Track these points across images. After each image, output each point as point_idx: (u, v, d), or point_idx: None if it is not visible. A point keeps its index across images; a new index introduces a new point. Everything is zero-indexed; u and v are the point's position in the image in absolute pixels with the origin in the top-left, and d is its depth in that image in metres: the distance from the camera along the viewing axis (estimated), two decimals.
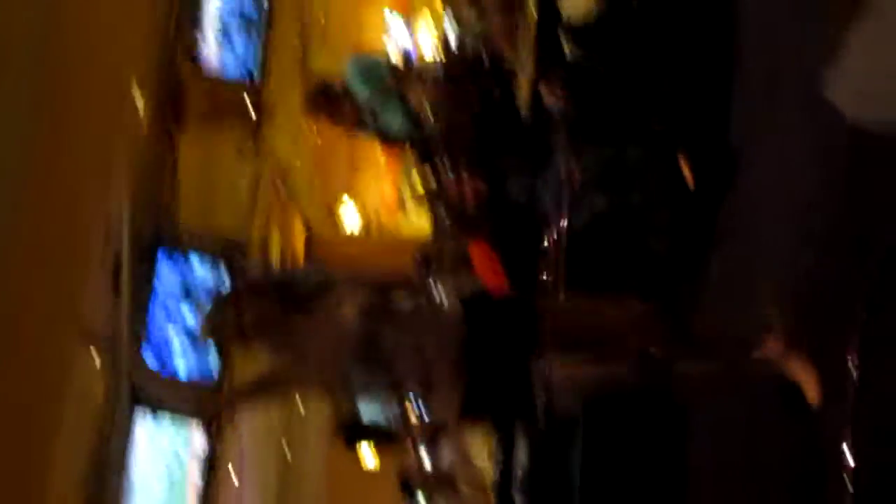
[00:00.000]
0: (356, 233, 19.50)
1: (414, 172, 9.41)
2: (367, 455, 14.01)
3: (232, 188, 14.51)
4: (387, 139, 8.75)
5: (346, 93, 8.33)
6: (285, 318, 4.62)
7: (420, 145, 8.67)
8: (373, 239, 20.22)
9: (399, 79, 8.38)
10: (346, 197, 18.49)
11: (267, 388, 4.87)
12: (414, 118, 8.29)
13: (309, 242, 15.10)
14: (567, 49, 7.55)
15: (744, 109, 6.27)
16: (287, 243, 15.02)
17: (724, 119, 6.46)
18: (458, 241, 7.79)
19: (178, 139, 12.99)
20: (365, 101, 8.27)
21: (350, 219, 19.19)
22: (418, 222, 12.26)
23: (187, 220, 12.96)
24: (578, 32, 7.50)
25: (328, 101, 8.34)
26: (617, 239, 6.85)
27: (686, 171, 6.50)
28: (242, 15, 13.64)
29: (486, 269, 7.33)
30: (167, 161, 13.01)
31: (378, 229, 21.56)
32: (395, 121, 8.37)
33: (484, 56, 9.29)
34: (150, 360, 12.31)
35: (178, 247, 12.78)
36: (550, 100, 7.53)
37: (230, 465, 13.60)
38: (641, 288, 6.89)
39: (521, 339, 4.61)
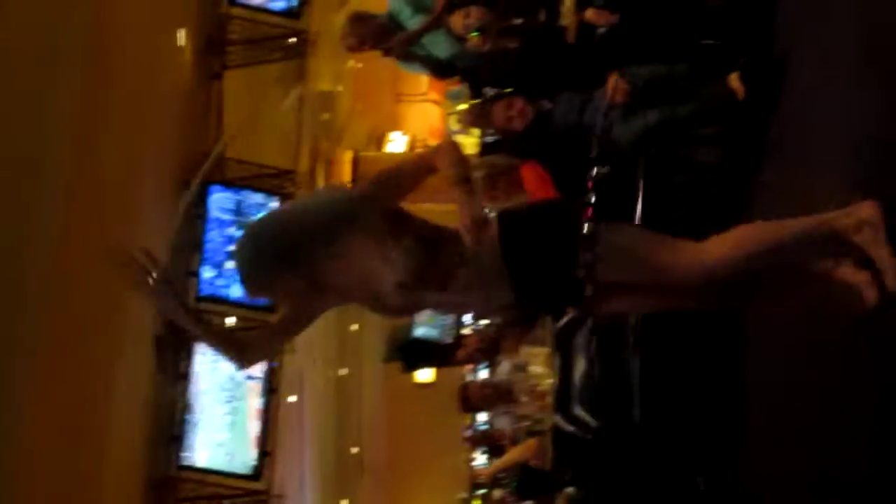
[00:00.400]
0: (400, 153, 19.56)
1: (459, 97, 9.32)
2: (423, 371, 14.13)
3: (277, 118, 14.58)
4: (434, 68, 8.74)
5: (392, 23, 8.36)
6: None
7: (468, 74, 8.68)
8: None
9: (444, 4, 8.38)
10: (395, 132, 18.59)
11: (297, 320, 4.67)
12: (462, 46, 8.30)
13: (355, 166, 15.16)
14: None
15: (791, 16, 6.26)
16: (333, 169, 15.12)
17: (770, 27, 6.48)
18: (508, 163, 7.79)
19: (222, 74, 13.04)
20: (415, 31, 8.29)
21: (396, 144, 19.24)
22: (464, 146, 12.22)
23: (235, 152, 13.04)
24: None
25: (374, 31, 8.34)
26: (668, 152, 6.91)
27: (735, 83, 6.55)
28: None
29: (538, 189, 7.37)
30: (212, 97, 13.07)
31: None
32: (442, 48, 8.40)
33: None
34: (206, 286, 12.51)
35: (230, 182, 12.87)
36: (596, 18, 7.58)
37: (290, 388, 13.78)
38: (695, 200, 7.01)
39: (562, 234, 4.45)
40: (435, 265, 4.40)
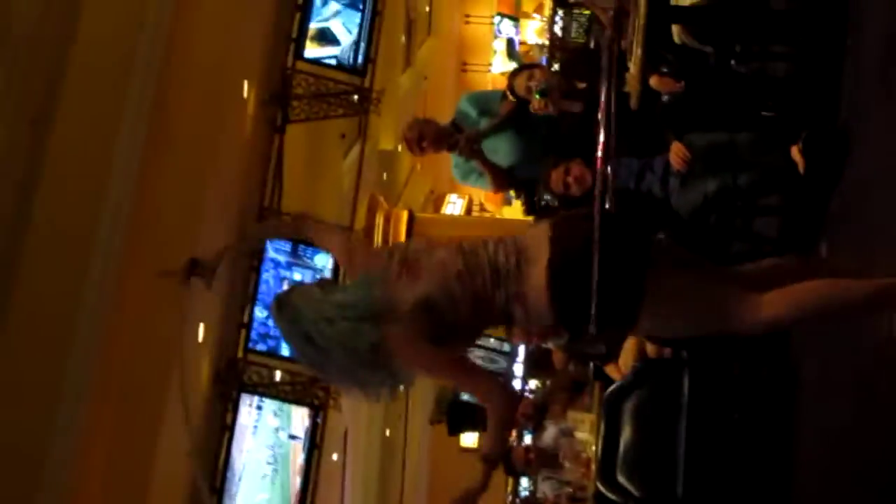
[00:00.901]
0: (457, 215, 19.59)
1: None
2: (468, 434, 14.07)
3: (336, 175, 14.62)
4: (494, 174, 8.67)
5: (457, 126, 8.41)
6: None
7: (525, 185, 8.65)
8: (473, 220, 20.27)
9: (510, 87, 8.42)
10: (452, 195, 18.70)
11: None
12: (523, 154, 8.29)
13: (411, 225, 15.13)
14: (676, 35, 7.53)
15: (856, 90, 6.20)
16: (390, 227, 15.09)
17: (835, 101, 6.42)
18: None
19: (285, 128, 13.09)
20: (480, 130, 8.32)
21: (453, 207, 19.31)
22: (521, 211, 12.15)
23: (293, 206, 13.05)
24: (687, 17, 7.47)
25: (434, 131, 8.39)
26: (727, 221, 6.86)
27: (796, 155, 6.49)
28: (351, 5, 13.63)
29: None
30: (273, 151, 13.12)
31: (480, 214, 21.61)
32: (503, 156, 8.38)
33: (592, 44, 9.30)
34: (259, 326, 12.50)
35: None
36: (660, 86, 7.55)
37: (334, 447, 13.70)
38: None
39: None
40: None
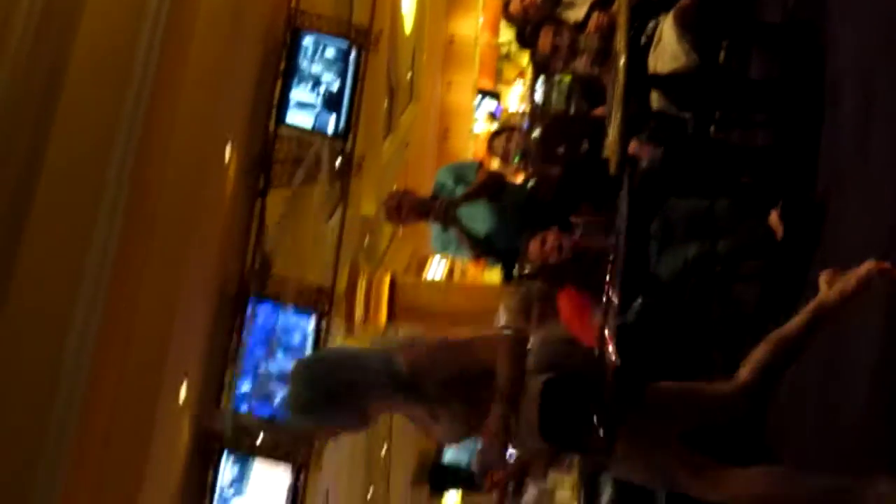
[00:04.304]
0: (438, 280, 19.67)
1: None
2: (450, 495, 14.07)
3: (318, 240, 14.61)
4: (471, 243, 8.75)
5: (435, 199, 8.53)
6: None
7: (504, 254, 8.72)
8: (454, 285, 20.34)
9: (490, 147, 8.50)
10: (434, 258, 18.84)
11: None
12: (500, 224, 8.37)
13: (393, 290, 15.17)
14: (655, 101, 7.58)
15: (833, 158, 6.24)
16: (372, 291, 15.12)
17: (814, 168, 6.46)
18: (544, 290, 7.77)
19: (266, 192, 13.10)
20: (456, 198, 8.45)
21: (435, 271, 19.32)
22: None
23: (276, 270, 13.06)
24: (668, 85, 7.52)
25: (412, 201, 8.55)
26: (706, 287, 6.88)
27: (774, 221, 6.52)
28: (335, 72, 13.62)
29: (573, 318, 7.34)
30: (255, 214, 13.12)
31: (461, 279, 21.68)
32: (480, 223, 8.45)
33: (572, 109, 9.35)
34: (244, 404, 12.45)
35: (268, 296, 12.85)
36: (638, 152, 7.59)
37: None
38: (730, 337, 6.95)
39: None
40: (477, 408, 4.68)
